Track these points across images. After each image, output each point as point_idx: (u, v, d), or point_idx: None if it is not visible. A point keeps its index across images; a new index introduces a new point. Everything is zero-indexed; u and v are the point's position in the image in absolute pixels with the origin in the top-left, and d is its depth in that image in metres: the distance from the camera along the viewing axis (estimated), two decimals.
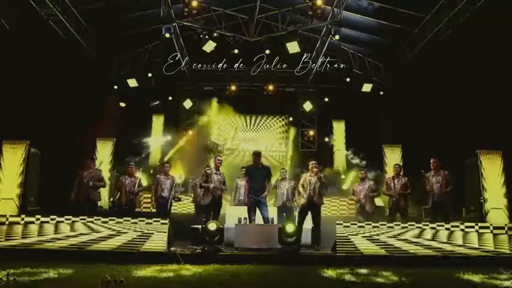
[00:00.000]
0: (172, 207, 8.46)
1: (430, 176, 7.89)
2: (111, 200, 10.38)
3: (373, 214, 8.20)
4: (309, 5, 9.64)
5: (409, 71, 11.95)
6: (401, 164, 11.17)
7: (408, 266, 5.48)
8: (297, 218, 7.62)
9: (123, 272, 4.76)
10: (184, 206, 10.56)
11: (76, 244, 6.25)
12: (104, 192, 10.19)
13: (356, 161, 12.82)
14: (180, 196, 8.84)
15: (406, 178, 8.27)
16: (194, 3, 9.50)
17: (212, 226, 6.46)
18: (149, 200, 10.49)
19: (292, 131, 14.70)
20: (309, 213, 7.35)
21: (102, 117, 12.55)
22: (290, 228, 6.48)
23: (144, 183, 10.22)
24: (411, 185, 8.13)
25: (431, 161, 7.95)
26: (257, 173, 7.58)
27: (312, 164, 7.49)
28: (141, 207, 10.77)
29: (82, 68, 11.21)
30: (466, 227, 6.49)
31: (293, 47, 10.94)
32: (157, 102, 8.20)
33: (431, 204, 7.90)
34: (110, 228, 6.42)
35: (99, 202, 8.48)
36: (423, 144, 10.15)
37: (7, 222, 6.40)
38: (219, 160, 7.98)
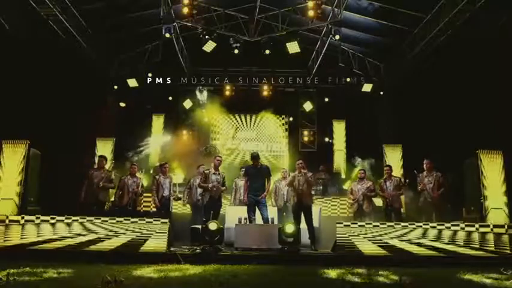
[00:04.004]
0: (172, 207, 8.48)
1: (423, 177, 8.05)
2: (111, 200, 10.38)
3: (371, 214, 8.23)
4: (310, 5, 9.63)
5: (409, 71, 11.94)
6: (401, 164, 11.23)
7: (408, 266, 5.48)
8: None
9: (123, 272, 4.75)
10: (185, 206, 10.54)
11: (76, 244, 6.25)
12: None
13: (356, 160, 12.82)
14: (180, 195, 8.84)
15: (398, 178, 8.34)
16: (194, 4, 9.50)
17: (212, 226, 6.45)
18: (149, 200, 10.48)
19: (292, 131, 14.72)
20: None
21: (102, 117, 12.54)
22: (290, 228, 6.48)
23: (144, 183, 10.18)
24: (409, 185, 8.18)
25: (425, 162, 8.16)
26: (256, 173, 7.57)
27: (298, 164, 7.46)
28: (141, 207, 10.76)
29: (82, 68, 11.21)
30: (466, 226, 6.49)
31: (293, 47, 10.94)
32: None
33: (423, 205, 7.99)
34: (109, 229, 6.41)
35: (107, 203, 8.50)
36: (423, 144, 10.17)
37: (7, 222, 6.40)
38: (218, 160, 7.96)
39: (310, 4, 9.58)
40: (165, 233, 6.31)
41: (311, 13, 9.65)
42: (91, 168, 8.21)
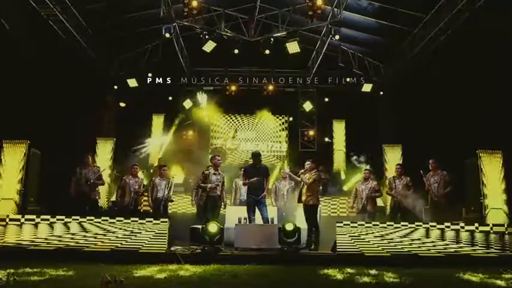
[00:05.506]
0: (169, 207, 8.49)
1: (429, 176, 7.98)
2: (111, 199, 10.38)
3: (374, 214, 8.21)
4: (309, 5, 9.62)
5: (409, 71, 11.94)
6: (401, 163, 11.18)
7: (408, 266, 5.47)
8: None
9: (123, 272, 4.75)
10: (184, 206, 10.56)
11: (76, 244, 6.25)
12: (104, 192, 10.18)
13: (356, 160, 12.82)
14: (172, 197, 8.78)
15: (408, 178, 8.28)
16: (194, 3, 9.48)
17: (212, 226, 6.45)
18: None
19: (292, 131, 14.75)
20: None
21: (102, 117, 12.55)
22: (290, 227, 6.48)
23: (145, 182, 10.22)
24: (411, 184, 8.16)
25: (430, 161, 8.08)
26: (255, 173, 7.56)
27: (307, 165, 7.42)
28: (141, 207, 10.77)
29: (82, 68, 11.22)
30: (466, 226, 6.49)
31: (293, 47, 10.94)
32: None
33: (430, 204, 7.98)
34: (109, 228, 6.41)
35: (99, 201, 8.45)
36: (423, 144, 10.17)
37: (7, 222, 6.40)
38: (218, 160, 7.96)
39: (310, 4, 9.53)
40: (165, 233, 6.31)
41: (311, 13, 9.54)
42: (77, 166, 7.95)
